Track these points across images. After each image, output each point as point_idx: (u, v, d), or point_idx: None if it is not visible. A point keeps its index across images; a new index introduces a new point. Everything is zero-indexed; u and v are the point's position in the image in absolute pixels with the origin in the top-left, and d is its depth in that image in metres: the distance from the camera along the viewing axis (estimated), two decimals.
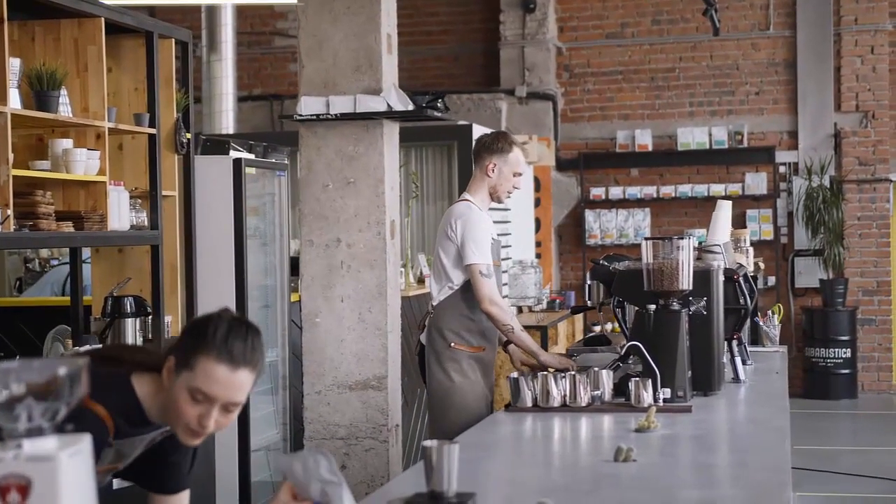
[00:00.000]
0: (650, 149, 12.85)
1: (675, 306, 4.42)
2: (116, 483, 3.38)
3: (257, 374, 2.69)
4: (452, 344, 5.27)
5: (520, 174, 5.39)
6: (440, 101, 5.64)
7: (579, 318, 10.85)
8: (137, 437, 2.78)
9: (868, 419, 11.52)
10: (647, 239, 4.49)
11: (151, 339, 5.78)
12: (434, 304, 5.37)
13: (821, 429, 10.83)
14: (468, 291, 5.20)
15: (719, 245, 5.33)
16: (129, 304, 5.59)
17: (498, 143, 5.38)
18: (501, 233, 10.14)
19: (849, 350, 12.19)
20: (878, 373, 12.57)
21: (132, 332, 5.55)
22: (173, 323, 6.02)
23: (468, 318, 5.26)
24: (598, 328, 9.86)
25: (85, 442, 1.89)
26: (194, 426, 2.64)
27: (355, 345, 5.48)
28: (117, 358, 2.81)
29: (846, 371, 12.21)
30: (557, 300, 10.93)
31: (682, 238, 4.44)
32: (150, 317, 5.76)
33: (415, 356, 5.62)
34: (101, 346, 5.16)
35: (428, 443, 2.76)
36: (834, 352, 12.17)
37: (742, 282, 5.09)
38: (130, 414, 2.70)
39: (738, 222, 12.27)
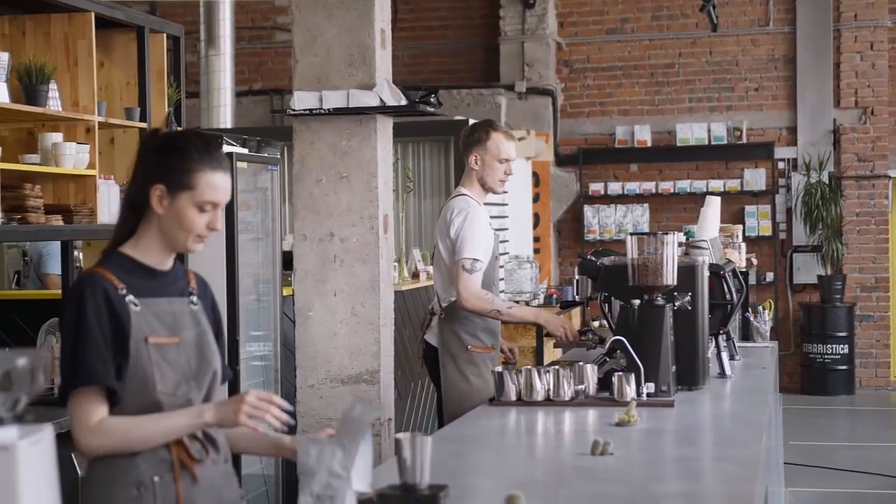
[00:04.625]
0: (649, 144, 12.85)
1: (660, 301, 4.42)
2: None
3: None
4: (470, 346, 5.24)
5: (505, 160, 5.30)
6: (433, 96, 5.62)
7: (577, 313, 10.85)
8: (162, 297, 2.96)
9: (865, 415, 11.53)
10: (631, 234, 4.49)
11: None
12: (443, 304, 5.31)
13: (818, 425, 10.85)
14: None
15: (706, 240, 5.32)
16: None
17: (475, 133, 5.33)
18: (499, 227, 10.19)
19: (846, 346, 12.20)
20: (875, 369, 12.57)
21: None
22: None
23: (481, 317, 5.24)
24: (596, 323, 9.85)
25: (46, 432, 1.91)
26: (203, 232, 2.95)
27: (348, 339, 5.48)
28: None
29: (844, 367, 12.21)
30: (555, 295, 10.92)
31: (666, 234, 4.44)
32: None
33: (419, 357, 5.58)
34: None
35: (400, 435, 2.78)
36: (832, 348, 12.17)
37: (729, 277, 5.09)
38: (131, 269, 2.95)
39: (737, 218, 12.29)
